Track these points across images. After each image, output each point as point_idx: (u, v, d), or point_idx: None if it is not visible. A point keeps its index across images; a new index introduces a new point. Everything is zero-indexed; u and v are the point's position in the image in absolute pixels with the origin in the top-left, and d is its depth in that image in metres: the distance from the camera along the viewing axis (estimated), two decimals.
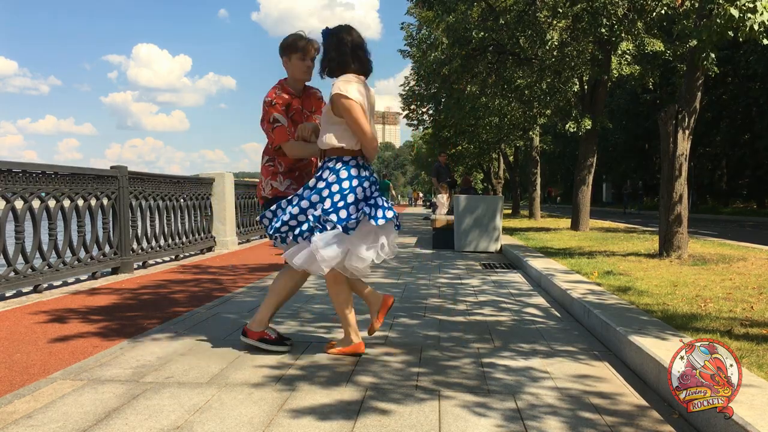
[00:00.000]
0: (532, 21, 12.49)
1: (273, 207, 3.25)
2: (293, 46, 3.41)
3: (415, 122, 32.07)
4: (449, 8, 13.34)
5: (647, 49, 12.36)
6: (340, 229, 3.04)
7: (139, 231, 7.36)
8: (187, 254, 8.69)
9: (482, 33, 12.75)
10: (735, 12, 5.77)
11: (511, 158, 27.12)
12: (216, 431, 2.28)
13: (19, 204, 5.26)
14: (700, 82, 7.33)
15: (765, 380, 2.50)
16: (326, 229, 3.07)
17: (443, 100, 22.01)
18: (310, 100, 3.59)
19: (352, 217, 3.07)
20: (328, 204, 3.10)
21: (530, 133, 19.86)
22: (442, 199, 13.33)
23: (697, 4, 6.99)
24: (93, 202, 6.44)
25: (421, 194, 65.53)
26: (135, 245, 7.22)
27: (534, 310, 4.76)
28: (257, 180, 3.76)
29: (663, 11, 10.67)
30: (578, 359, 3.33)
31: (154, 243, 7.71)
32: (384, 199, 3.25)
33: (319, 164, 3.33)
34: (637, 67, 13.03)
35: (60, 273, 5.80)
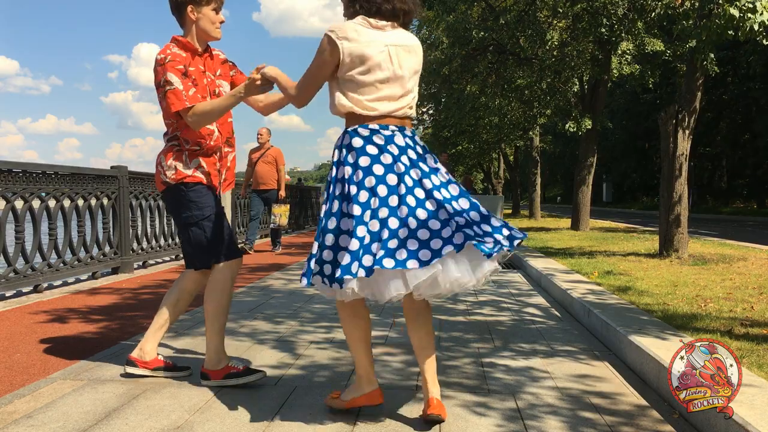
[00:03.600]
0: (532, 21, 12.50)
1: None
2: None
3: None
4: (449, 8, 13.33)
5: (647, 49, 12.37)
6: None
7: (140, 231, 7.36)
8: None
9: (482, 33, 12.76)
10: (735, 12, 5.77)
11: (511, 158, 27.16)
12: (216, 431, 2.28)
13: (19, 204, 5.26)
14: (700, 82, 7.34)
15: (765, 380, 2.50)
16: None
17: (443, 99, 22.01)
18: (213, 62, 2.88)
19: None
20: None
21: (530, 133, 19.88)
22: None
23: (697, 4, 6.99)
24: (93, 202, 6.44)
25: None
26: (135, 245, 7.22)
27: (534, 310, 4.76)
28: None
29: (663, 11, 10.67)
30: (578, 359, 3.33)
31: (154, 243, 7.71)
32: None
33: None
34: (637, 67, 13.04)
35: (60, 273, 5.81)
